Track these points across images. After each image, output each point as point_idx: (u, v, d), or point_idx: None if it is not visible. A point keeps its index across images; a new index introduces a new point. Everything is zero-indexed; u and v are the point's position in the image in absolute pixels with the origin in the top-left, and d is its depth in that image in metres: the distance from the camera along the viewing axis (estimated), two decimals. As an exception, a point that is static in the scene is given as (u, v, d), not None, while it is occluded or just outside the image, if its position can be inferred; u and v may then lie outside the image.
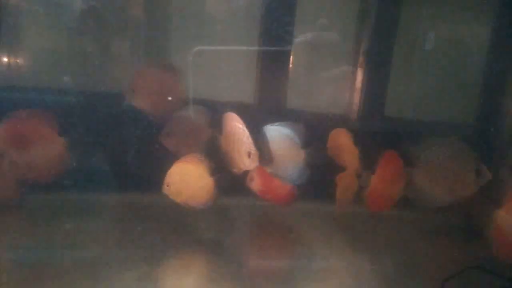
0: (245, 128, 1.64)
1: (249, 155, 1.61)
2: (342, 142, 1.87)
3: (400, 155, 1.76)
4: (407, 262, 1.65)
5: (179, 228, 1.76)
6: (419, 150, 1.76)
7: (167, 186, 1.59)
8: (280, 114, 2.16)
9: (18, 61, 1.92)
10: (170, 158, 1.70)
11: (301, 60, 2.22)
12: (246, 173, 1.77)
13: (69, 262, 1.41)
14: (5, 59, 1.90)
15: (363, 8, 2.29)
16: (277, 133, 1.74)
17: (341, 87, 2.33)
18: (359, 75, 2.32)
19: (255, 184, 1.84)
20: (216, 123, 1.78)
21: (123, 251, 1.51)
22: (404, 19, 2.29)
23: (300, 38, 2.15)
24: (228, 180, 1.68)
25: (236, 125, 1.66)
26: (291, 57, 2.18)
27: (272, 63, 2.19)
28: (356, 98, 2.34)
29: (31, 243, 1.53)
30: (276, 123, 1.76)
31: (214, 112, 1.83)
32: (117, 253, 1.49)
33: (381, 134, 2.19)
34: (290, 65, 2.19)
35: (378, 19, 2.26)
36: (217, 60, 2.17)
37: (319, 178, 1.82)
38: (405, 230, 1.99)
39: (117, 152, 1.88)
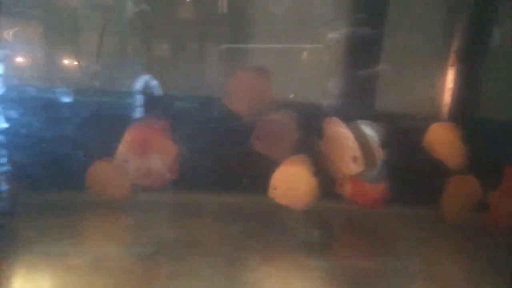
0: (349, 132, 1.66)
1: (354, 159, 1.63)
2: (445, 136, 1.80)
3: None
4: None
5: (278, 229, 1.81)
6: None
7: (274, 189, 1.64)
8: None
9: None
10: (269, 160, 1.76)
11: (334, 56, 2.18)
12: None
13: (190, 259, 1.48)
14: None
15: (456, 4, 2.21)
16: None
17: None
18: (450, 74, 2.26)
19: (346, 188, 1.84)
20: (303, 126, 1.81)
21: (236, 251, 1.58)
22: (500, 13, 2.19)
23: (334, 34, 2.13)
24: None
25: (339, 129, 1.68)
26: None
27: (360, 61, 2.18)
28: (446, 97, 2.27)
29: (146, 239, 1.63)
30: (357, 121, 1.76)
31: (300, 114, 1.86)
32: (233, 253, 1.56)
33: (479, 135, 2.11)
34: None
35: (472, 14, 2.18)
36: (301, 60, 2.19)
37: (415, 180, 1.81)
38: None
39: (219, 155, 1.96)
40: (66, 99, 1.92)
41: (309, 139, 1.79)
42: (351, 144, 1.64)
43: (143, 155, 1.60)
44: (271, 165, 1.73)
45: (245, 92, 1.80)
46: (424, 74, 2.27)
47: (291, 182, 1.65)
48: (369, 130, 1.74)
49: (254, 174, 1.84)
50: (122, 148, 1.58)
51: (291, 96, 1.83)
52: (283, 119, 1.84)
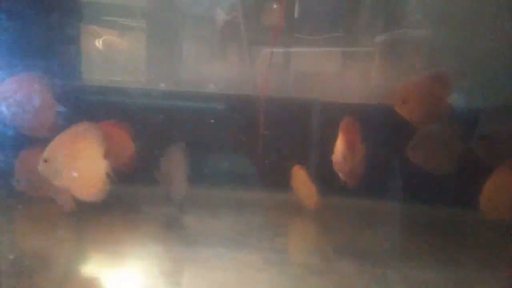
0: None
1: None
2: None
3: None
4: None
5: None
6: None
7: (489, 201, 1.55)
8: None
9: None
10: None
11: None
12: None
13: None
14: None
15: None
16: None
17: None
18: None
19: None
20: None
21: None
22: None
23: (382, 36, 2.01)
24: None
25: None
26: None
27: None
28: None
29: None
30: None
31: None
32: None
33: None
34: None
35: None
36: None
37: None
38: None
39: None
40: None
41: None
42: None
43: (354, 154, 1.62)
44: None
45: (422, 99, 1.71)
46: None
47: (505, 193, 1.56)
48: None
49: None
50: (341, 146, 1.61)
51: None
52: (444, 129, 1.75)
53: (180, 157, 1.68)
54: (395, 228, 1.79)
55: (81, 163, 1.36)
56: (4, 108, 1.59)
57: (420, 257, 1.53)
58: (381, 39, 2.12)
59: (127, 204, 1.80)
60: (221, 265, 1.36)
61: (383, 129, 1.90)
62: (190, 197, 1.77)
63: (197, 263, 1.38)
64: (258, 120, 2.02)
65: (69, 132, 1.36)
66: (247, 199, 1.98)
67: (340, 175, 1.66)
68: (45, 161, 1.34)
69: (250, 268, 1.34)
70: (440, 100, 1.74)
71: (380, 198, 1.96)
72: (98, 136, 1.37)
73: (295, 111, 2.07)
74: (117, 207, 1.74)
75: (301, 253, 1.52)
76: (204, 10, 2.19)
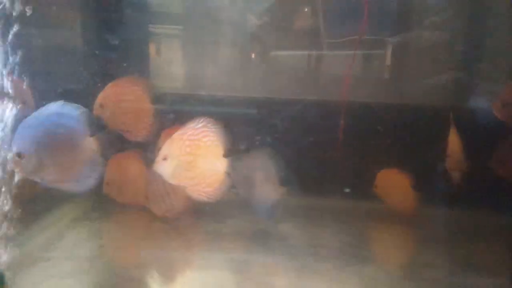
0: None
1: None
2: None
3: None
4: None
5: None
6: None
7: None
8: None
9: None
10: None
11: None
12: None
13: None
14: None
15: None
16: None
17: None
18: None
19: None
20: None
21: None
22: None
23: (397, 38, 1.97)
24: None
25: None
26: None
27: None
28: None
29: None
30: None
31: None
32: None
33: None
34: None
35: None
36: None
37: None
38: None
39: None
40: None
41: None
42: None
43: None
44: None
45: None
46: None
47: None
48: None
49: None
50: (457, 144, 1.56)
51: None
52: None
53: (264, 162, 1.57)
54: (503, 241, 1.65)
55: (201, 161, 1.29)
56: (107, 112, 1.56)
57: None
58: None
59: (213, 211, 1.70)
60: (346, 280, 1.27)
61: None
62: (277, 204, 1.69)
63: (316, 276, 1.29)
64: (339, 125, 1.93)
65: (188, 128, 1.30)
66: (336, 206, 1.88)
67: (455, 175, 1.58)
68: (164, 158, 1.28)
69: (378, 283, 1.25)
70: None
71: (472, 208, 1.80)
72: (219, 132, 1.31)
73: (376, 115, 2.00)
74: (206, 213, 1.66)
75: (422, 267, 1.40)
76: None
